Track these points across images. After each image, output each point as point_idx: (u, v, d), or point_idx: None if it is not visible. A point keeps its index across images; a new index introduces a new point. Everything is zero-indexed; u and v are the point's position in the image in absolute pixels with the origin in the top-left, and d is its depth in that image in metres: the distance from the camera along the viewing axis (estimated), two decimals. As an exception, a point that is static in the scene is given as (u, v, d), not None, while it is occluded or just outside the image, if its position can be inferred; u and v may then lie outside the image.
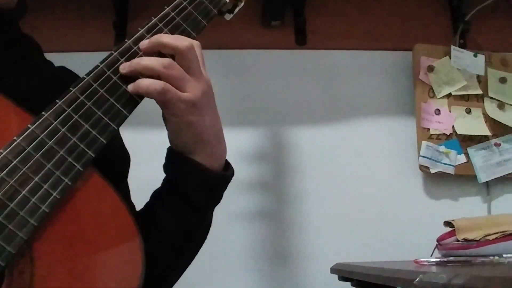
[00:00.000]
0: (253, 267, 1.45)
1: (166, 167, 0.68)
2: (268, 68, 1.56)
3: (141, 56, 0.61)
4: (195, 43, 0.64)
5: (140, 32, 0.62)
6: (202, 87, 0.62)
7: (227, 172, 0.68)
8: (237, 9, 0.76)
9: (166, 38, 0.61)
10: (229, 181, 0.69)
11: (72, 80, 0.69)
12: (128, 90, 0.59)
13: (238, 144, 1.47)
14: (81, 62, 0.73)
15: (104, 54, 0.60)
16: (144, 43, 0.61)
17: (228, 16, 0.76)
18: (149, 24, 0.63)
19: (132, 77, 0.60)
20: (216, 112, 0.67)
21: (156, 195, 0.69)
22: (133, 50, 0.61)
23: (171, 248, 0.66)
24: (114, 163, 0.62)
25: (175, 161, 0.66)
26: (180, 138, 0.64)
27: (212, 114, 0.65)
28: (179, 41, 0.61)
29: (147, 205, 0.70)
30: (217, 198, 0.69)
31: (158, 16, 0.64)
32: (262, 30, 1.57)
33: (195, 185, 0.65)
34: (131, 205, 0.70)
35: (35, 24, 1.25)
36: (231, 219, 1.45)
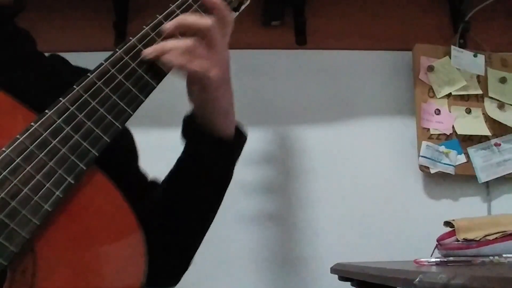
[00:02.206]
0: (253, 267, 1.45)
1: (185, 136, 0.71)
2: (268, 68, 1.56)
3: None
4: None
5: (144, 30, 0.62)
6: (225, 62, 0.65)
7: (242, 137, 0.74)
8: (242, 7, 0.76)
9: (190, 18, 0.63)
10: (245, 143, 0.75)
11: (65, 67, 0.72)
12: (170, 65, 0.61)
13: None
14: (81, 62, 0.73)
15: (104, 54, 0.60)
16: (167, 26, 0.62)
17: (233, 14, 0.76)
18: (154, 22, 0.63)
19: (134, 74, 0.60)
20: (231, 82, 0.70)
21: (178, 164, 0.72)
22: (137, 48, 0.60)
23: (193, 208, 0.71)
24: (116, 155, 0.62)
25: (195, 132, 0.69)
26: (205, 111, 0.67)
27: (230, 86, 0.69)
28: (202, 20, 0.63)
29: (170, 174, 0.72)
30: (235, 160, 0.74)
31: (163, 14, 0.64)
32: (262, 30, 1.57)
33: (216, 157, 0.69)
34: (141, 187, 0.74)
35: (35, 24, 1.25)
36: (232, 220, 1.44)
